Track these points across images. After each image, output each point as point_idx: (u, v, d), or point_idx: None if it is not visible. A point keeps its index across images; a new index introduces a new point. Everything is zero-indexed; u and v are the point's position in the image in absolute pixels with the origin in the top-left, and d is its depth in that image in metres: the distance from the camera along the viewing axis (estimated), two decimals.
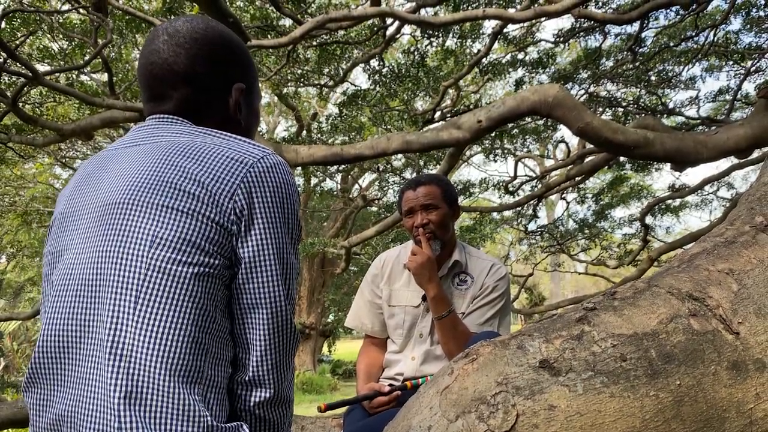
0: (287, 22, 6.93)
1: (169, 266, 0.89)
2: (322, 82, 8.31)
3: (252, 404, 0.96)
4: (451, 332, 1.92)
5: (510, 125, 8.18)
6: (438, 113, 8.16)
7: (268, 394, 0.96)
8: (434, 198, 2.04)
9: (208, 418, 0.87)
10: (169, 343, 0.87)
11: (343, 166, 10.72)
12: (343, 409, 2.05)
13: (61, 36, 6.89)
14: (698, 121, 7.66)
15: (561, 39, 7.12)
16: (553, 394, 0.87)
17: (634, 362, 0.89)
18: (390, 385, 1.96)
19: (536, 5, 5.28)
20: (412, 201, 2.05)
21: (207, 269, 0.90)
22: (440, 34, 7.30)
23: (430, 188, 2.05)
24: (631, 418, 0.86)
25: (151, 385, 0.85)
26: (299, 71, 7.95)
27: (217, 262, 0.92)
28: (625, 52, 7.15)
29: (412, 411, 0.94)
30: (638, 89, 8.11)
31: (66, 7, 5.90)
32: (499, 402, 0.86)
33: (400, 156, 9.70)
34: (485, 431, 0.84)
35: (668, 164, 5.14)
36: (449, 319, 1.93)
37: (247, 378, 0.95)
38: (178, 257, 0.89)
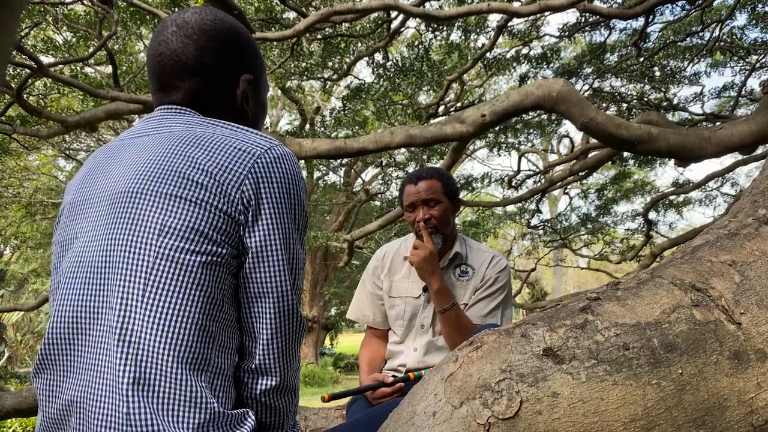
0: (292, 15, 6.92)
1: (176, 254, 0.90)
2: (326, 76, 8.30)
3: (258, 392, 0.97)
4: (455, 325, 1.94)
5: (514, 120, 8.17)
6: (442, 107, 8.14)
7: (274, 382, 0.97)
8: (435, 192, 2.04)
9: (215, 404, 0.88)
10: (176, 330, 0.88)
11: (346, 160, 10.72)
12: (346, 400, 2.07)
13: (65, 27, 6.89)
14: (702, 117, 7.63)
15: (566, 33, 7.10)
16: (557, 382, 0.88)
17: (636, 351, 0.90)
18: (393, 376, 1.97)
19: None
20: (414, 196, 2.06)
21: (214, 258, 0.92)
22: (445, 28, 7.28)
23: (431, 182, 2.05)
24: (633, 406, 0.87)
25: (158, 372, 0.86)
26: (303, 65, 7.94)
27: (224, 251, 0.93)
28: (630, 47, 7.12)
29: (417, 397, 0.95)
30: (643, 85, 8.08)
31: None
32: (503, 389, 0.87)
33: (403, 150, 9.69)
34: (489, 417, 0.85)
35: (672, 160, 5.13)
36: (452, 312, 1.94)
37: (253, 366, 0.96)
38: (186, 246, 0.90)
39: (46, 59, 6.33)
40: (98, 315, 0.92)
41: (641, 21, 6.22)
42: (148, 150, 0.99)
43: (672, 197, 9.81)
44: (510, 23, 6.63)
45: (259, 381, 0.97)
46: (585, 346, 0.90)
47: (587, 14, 6.35)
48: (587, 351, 0.89)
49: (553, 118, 8.56)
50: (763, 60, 7.27)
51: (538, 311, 1.02)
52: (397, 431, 0.92)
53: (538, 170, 9.61)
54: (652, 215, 9.34)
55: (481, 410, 0.85)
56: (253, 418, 0.94)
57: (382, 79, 7.80)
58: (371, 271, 2.20)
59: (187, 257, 0.90)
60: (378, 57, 7.53)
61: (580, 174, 7.51)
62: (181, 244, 0.90)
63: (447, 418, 0.87)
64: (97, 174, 1.03)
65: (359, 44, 7.50)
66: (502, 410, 0.84)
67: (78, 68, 7.32)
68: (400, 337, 2.10)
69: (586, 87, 7.93)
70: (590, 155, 7.10)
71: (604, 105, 7.97)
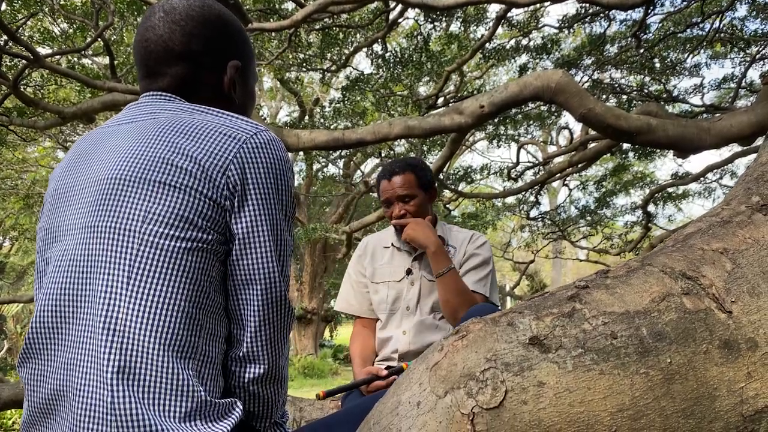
0: (290, 5, 6.88)
1: (161, 241, 0.89)
2: (325, 67, 8.26)
3: (246, 380, 0.96)
4: (454, 287, 1.95)
5: (513, 111, 8.14)
6: (441, 99, 8.10)
7: (261, 370, 0.96)
8: (410, 187, 2.07)
9: (202, 393, 0.87)
10: (162, 317, 0.87)
11: (345, 151, 10.70)
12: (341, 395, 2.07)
13: (62, 18, 6.85)
14: (702, 108, 7.60)
15: (565, 24, 7.06)
16: (543, 371, 0.87)
17: (624, 340, 0.89)
18: (387, 368, 1.97)
19: None
20: (389, 192, 2.08)
21: (200, 244, 0.91)
22: (444, 18, 7.24)
23: (405, 177, 2.08)
24: (620, 396, 0.86)
25: (144, 360, 0.85)
26: (302, 56, 7.90)
27: (210, 237, 0.92)
28: (630, 39, 7.07)
29: (401, 387, 0.94)
30: (642, 76, 8.04)
31: None
32: (488, 378, 0.86)
33: (402, 141, 9.66)
34: (474, 407, 0.84)
35: (671, 151, 5.11)
36: (450, 275, 1.96)
37: (241, 354, 0.95)
38: (171, 232, 0.90)
39: (42, 50, 6.30)
40: (83, 303, 0.92)
41: (641, 12, 6.18)
42: (133, 137, 0.98)
43: (671, 189, 9.79)
44: (509, 14, 6.59)
45: (247, 369, 0.96)
46: (572, 334, 0.89)
47: (586, 5, 6.31)
48: (574, 340, 0.88)
49: (553, 109, 8.52)
50: (764, 51, 7.23)
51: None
52: (381, 421, 0.91)
53: (537, 162, 9.57)
54: (651, 208, 9.33)
55: (466, 400, 0.84)
56: (241, 407, 0.93)
57: (381, 70, 7.77)
58: (355, 261, 2.24)
59: (172, 244, 0.89)
60: (377, 48, 7.49)
61: (579, 165, 7.48)
62: (166, 231, 0.90)
63: (431, 408, 0.86)
64: (82, 161, 1.02)
65: (357, 35, 7.45)
66: (487, 400, 0.83)
67: (75, 59, 7.28)
68: (384, 322, 2.13)
69: (586, 78, 7.90)
70: (589, 146, 7.08)
71: (604, 96, 7.93)
